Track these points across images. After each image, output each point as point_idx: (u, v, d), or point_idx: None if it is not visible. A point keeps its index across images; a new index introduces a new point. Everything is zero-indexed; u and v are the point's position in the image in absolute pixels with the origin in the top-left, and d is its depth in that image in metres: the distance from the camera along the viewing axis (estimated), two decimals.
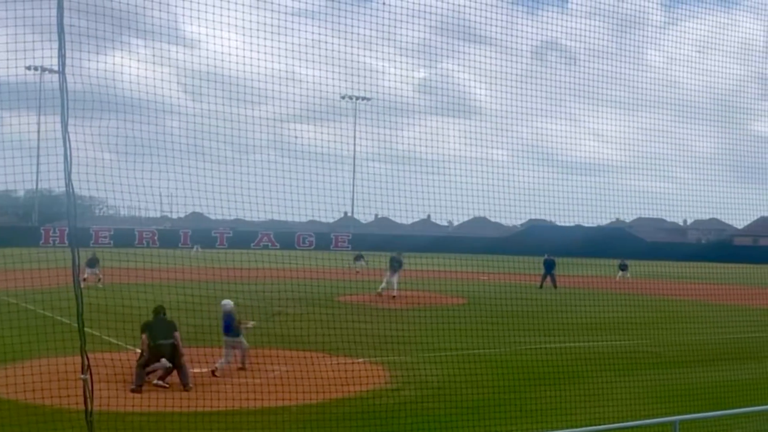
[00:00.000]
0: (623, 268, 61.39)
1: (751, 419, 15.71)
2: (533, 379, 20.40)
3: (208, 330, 19.43)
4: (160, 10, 13.80)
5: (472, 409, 17.47)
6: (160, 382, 19.43)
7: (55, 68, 11.72)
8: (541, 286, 50.12)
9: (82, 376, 11.65)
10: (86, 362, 11.56)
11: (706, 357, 25.00)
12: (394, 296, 40.59)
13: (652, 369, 21.46)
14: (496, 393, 18.35)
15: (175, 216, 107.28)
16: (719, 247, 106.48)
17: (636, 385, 19.05)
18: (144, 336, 19.96)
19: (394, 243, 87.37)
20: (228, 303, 21.45)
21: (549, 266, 52.46)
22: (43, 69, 54.69)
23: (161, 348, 19.76)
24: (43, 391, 15.50)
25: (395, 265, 42.82)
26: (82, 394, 11.63)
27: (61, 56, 11.29)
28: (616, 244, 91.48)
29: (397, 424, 16.33)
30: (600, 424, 14.73)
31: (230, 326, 21.01)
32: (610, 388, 18.93)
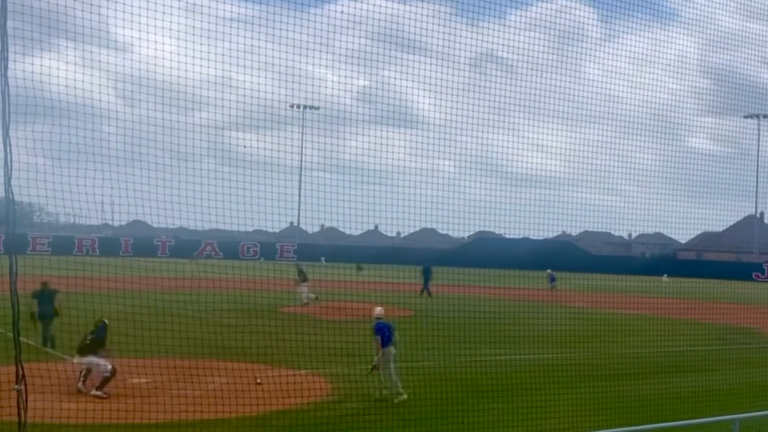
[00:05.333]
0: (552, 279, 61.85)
1: (692, 431, 15.81)
2: (477, 392, 20.36)
3: (148, 341, 19.02)
4: (83, 10, 13.40)
5: (415, 422, 17.37)
6: (98, 393, 19.04)
7: None
8: (421, 294, 49.25)
9: (17, 386, 11.35)
10: (21, 372, 11.27)
11: (648, 370, 25.25)
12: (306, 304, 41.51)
13: (595, 381, 21.54)
14: (439, 405, 18.28)
15: (116, 224, 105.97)
16: (663, 261, 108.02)
17: (579, 397, 19.09)
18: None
19: (340, 253, 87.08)
20: None
21: (426, 273, 51.65)
22: None
23: (41, 316, 22.15)
24: None
25: (302, 276, 44.10)
26: (16, 405, 11.32)
27: (4, 59, 11.02)
28: (563, 257, 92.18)
29: None
30: None
31: None
32: (553, 401, 18.97)
